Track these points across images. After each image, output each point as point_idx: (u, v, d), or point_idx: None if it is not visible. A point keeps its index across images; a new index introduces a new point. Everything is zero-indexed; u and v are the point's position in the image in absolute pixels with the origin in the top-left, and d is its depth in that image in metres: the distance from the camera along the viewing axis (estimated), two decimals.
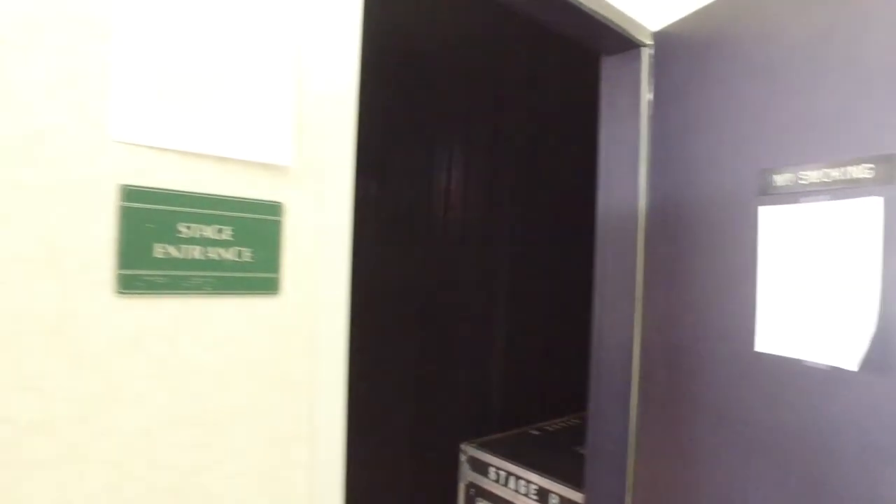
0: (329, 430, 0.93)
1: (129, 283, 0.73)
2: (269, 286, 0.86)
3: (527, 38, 2.56)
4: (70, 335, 0.70)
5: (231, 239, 0.82)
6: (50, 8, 0.69)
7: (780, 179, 1.08)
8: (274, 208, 0.87)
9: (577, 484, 1.79)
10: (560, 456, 2.10)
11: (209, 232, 0.80)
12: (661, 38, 1.49)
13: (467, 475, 2.18)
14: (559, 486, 1.87)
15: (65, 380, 0.70)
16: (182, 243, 0.78)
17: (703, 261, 1.26)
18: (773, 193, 1.09)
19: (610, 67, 1.62)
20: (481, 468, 2.13)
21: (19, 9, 0.67)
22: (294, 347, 0.89)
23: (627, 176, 1.54)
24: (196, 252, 0.79)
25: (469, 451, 2.18)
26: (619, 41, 1.52)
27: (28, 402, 0.68)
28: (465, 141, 2.43)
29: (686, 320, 1.31)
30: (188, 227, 0.78)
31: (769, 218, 1.10)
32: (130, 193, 0.74)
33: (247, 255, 0.84)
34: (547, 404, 2.66)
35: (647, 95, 1.52)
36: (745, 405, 1.13)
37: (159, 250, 0.76)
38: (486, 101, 2.48)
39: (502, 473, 2.05)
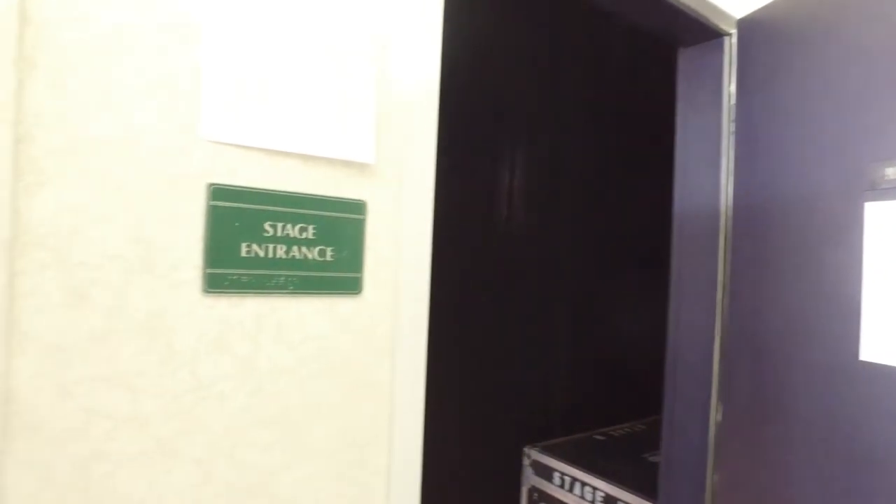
0: (408, 433, 0.91)
1: (216, 282, 0.73)
2: (351, 286, 0.85)
3: (589, 32, 2.48)
4: (160, 332, 0.70)
5: (314, 238, 0.81)
6: (146, 15, 0.69)
7: (894, 172, 0.98)
8: (357, 207, 0.85)
9: (646, 493, 1.72)
10: (628, 463, 2.02)
11: (293, 231, 0.79)
12: (746, 25, 1.40)
13: (530, 479, 2.13)
14: (628, 494, 1.80)
15: (155, 377, 0.70)
16: (267, 242, 0.77)
17: (798, 261, 1.18)
18: (883, 188, 1.00)
19: (688, 59, 1.54)
20: (545, 472, 2.08)
21: (118, 16, 0.67)
22: (374, 348, 0.88)
23: (707, 173, 1.46)
24: (280, 251, 0.78)
25: (532, 454, 2.13)
26: (699, 30, 1.44)
27: (123, 397, 0.68)
28: (528, 140, 2.38)
29: (776, 325, 1.23)
30: (273, 226, 0.77)
31: (878, 215, 1.01)
32: (218, 192, 0.73)
33: (329, 254, 0.82)
34: (610, 409, 2.58)
35: (729, 87, 1.43)
36: (849, 418, 1.05)
37: (245, 249, 0.75)
38: (548, 101, 2.42)
39: (567, 478, 2.00)
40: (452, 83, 1.91)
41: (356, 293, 0.85)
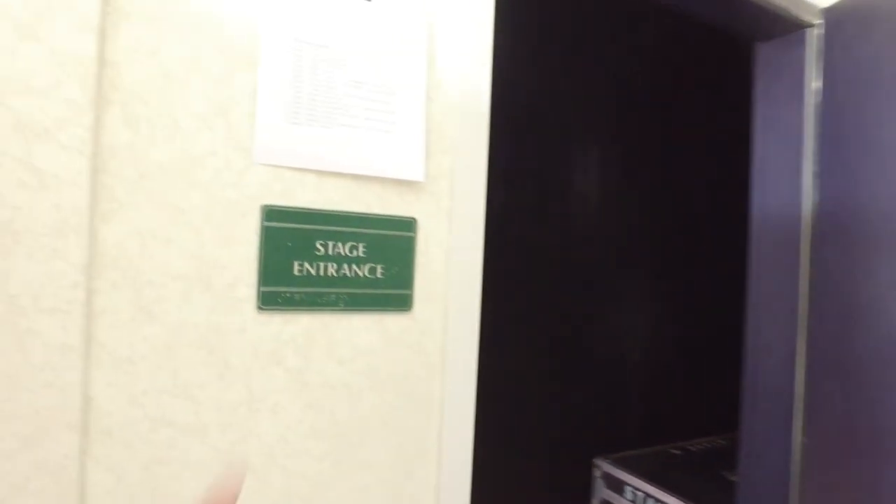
0: (457, 447, 0.91)
1: (270, 300, 0.77)
2: (401, 303, 0.86)
3: (662, 31, 2.38)
4: (218, 347, 0.75)
5: (364, 256, 0.83)
6: (208, 44, 0.74)
7: None
8: (407, 224, 0.86)
9: None
10: (705, 480, 1.92)
11: (344, 249, 0.82)
12: (835, 14, 1.30)
13: (601, 492, 2.07)
14: None
15: (214, 389, 0.75)
16: (319, 260, 0.80)
17: None
18: None
19: (766, 54, 1.44)
20: (616, 486, 2.01)
21: (183, 49, 0.72)
22: (424, 364, 0.89)
23: (788, 175, 1.36)
24: (331, 269, 0.81)
25: (603, 466, 2.07)
26: (779, 23, 1.35)
27: (184, 407, 0.73)
28: (602, 141, 2.32)
29: (870, 345, 1.13)
30: (324, 245, 0.80)
31: None
32: (272, 213, 0.77)
33: (380, 271, 0.84)
34: (690, 421, 2.46)
35: (813, 83, 1.33)
36: None
37: (297, 268, 0.79)
38: (618, 102, 2.35)
39: (640, 494, 1.93)
40: (518, 78, 1.90)
41: (406, 310, 0.87)
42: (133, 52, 0.70)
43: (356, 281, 0.83)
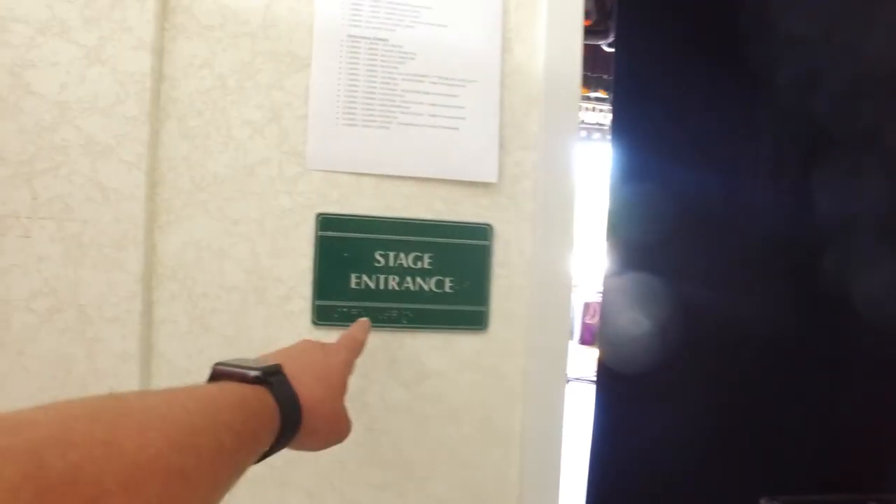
0: (542, 489, 0.78)
1: (325, 315, 0.72)
2: (474, 320, 0.76)
3: None
4: None
5: (430, 267, 0.75)
6: (260, 48, 0.71)
7: None
8: (480, 231, 0.76)
9: None
10: None
11: (407, 260, 0.74)
12: None
13: None
14: None
15: None
16: (378, 273, 0.73)
17: None
18: None
19: None
20: None
21: (234, 57, 0.71)
22: (502, 390, 0.78)
23: None
24: (393, 282, 0.74)
25: None
26: None
27: None
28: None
29: None
30: (384, 256, 0.73)
31: None
32: (327, 222, 0.72)
33: (448, 285, 0.75)
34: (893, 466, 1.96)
35: None
36: None
37: (355, 280, 0.73)
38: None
39: None
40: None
41: (481, 328, 0.76)
42: (188, 65, 0.70)
43: (421, 295, 0.74)
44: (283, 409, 0.42)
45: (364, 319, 0.67)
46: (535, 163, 0.78)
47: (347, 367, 0.55)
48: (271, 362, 0.44)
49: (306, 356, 0.50)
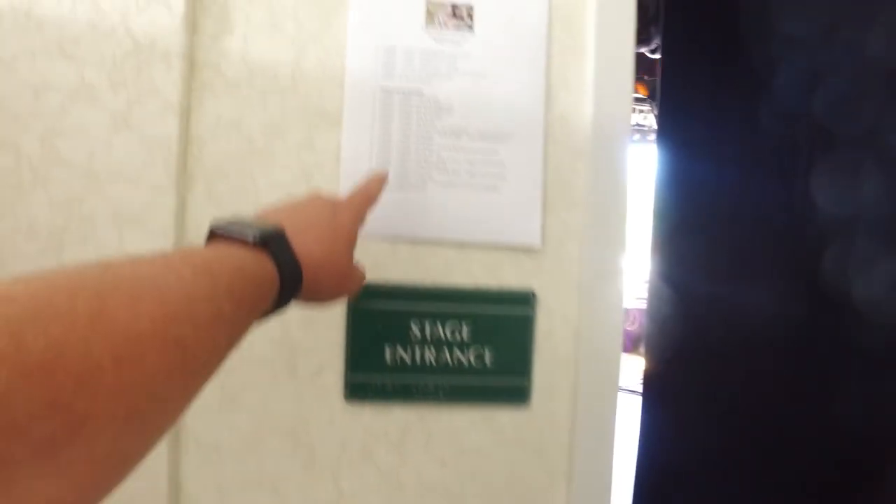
0: None
1: (358, 391, 0.68)
2: (515, 395, 0.71)
3: None
4: (304, 440, 0.68)
5: (468, 339, 0.70)
6: (290, 106, 0.68)
7: None
8: (523, 298, 0.71)
9: None
10: None
11: (444, 331, 0.69)
12: None
13: None
14: None
15: (299, 483, 0.68)
16: (414, 345, 0.69)
17: None
18: None
19: None
20: None
21: (264, 115, 0.67)
22: (546, 468, 0.72)
23: None
24: (429, 355, 0.69)
25: None
26: None
27: (270, 500, 0.68)
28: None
29: None
30: (420, 327, 0.69)
31: None
32: (360, 292, 0.68)
33: (488, 357, 0.70)
34: None
35: None
36: None
37: (389, 354, 0.69)
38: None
39: None
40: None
41: (522, 403, 0.71)
42: (215, 125, 0.66)
43: (459, 369, 0.70)
44: (283, 273, 0.40)
45: (381, 171, 0.61)
46: (581, 223, 0.72)
47: (356, 223, 0.52)
48: (272, 222, 0.42)
49: (312, 212, 0.48)
